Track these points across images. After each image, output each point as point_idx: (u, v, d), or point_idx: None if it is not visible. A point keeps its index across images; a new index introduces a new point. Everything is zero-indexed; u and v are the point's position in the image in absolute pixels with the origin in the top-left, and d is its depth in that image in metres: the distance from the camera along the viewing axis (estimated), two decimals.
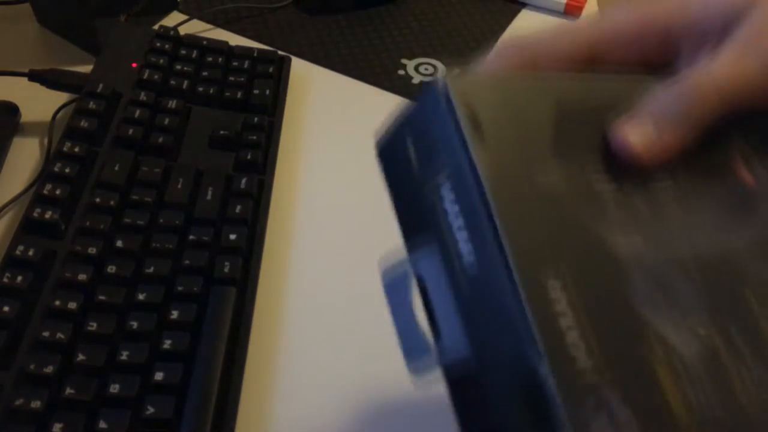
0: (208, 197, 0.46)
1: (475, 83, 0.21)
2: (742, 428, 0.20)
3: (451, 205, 0.21)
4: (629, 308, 0.20)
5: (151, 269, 0.41)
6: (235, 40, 0.62)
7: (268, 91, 0.54)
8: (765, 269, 0.23)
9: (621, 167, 0.22)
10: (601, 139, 0.23)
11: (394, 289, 0.23)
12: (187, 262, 0.42)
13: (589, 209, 0.21)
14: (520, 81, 0.23)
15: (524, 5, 0.73)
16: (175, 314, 0.39)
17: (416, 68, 0.63)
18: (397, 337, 0.22)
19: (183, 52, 0.55)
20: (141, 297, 0.39)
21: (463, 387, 0.21)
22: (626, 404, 0.19)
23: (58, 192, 0.43)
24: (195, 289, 0.40)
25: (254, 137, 0.50)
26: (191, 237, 0.43)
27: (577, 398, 0.18)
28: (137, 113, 0.49)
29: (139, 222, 0.43)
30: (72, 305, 0.38)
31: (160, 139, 0.48)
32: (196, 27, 0.64)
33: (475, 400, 0.21)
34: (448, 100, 0.21)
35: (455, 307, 0.21)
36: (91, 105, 0.48)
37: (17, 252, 0.40)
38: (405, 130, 0.23)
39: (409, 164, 0.22)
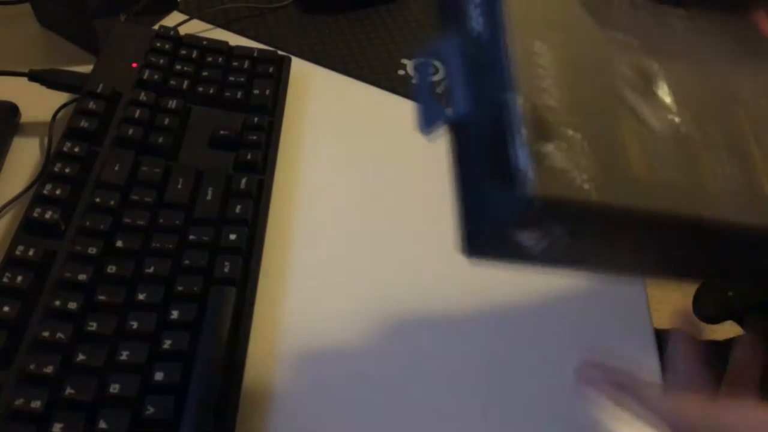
0: (208, 197, 0.46)
1: None
2: (697, 197, 0.22)
3: None
4: (609, 82, 0.22)
5: (151, 269, 0.41)
6: (235, 40, 0.62)
7: (268, 91, 0.54)
8: (765, 105, 0.24)
9: None
10: None
11: (422, 68, 0.28)
12: (187, 262, 0.42)
13: (594, 6, 0.24)
14: None
15: None
16: (175, 314, 0.39)
17: None
18: (417, 105, 0.27)
19: (183, 52, 0.55)
20: (141, 297, 0.39)
21: (462, 136, 0.25)
22: (585, 141, 0.20)
23: (58, 192, 0.43)
24: (195, 289, 0.40)
25: (254, 137, 0.50)
26: (191, 237, 0.43)
27: (538, 126, 0.20)
28: (137, 113, 0.49)
29: (139, 222, 0.43)
30: (72, 305, 0.38)
31: (160, 139, 0.48)
32: (196, 27, 0.64)
33: (469, 146, 0.25)
34: None
35: (464, 73, 0.25)
36: (91, 105, 0.48)
37: (17, 252, 0.40)
38: None
39: None
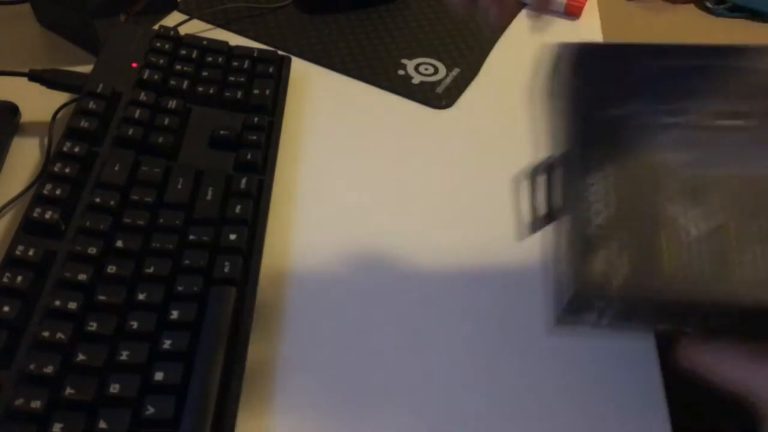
0: (208, 197, 0.46)
1: (582, 47, 0.31)
2: (719, 284, 0.26)
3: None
4: (654, 198, 0.28)
5: (151, 269, 0.41)
6: (235, 40, 0.62)
7: (268, 91, 0.54)
8: None
9: (692, 107, 0.29)
10: (680, 87, 0.30)
11: (520, 185, 0.33)
12: (187, 262, 0.42)
13: (648, 134, 0.29)
14: (621, 47, 0.31)
15: (524, 5, 0.73)
16: (175, 314, 0.39)
17: (416, 68, 0.63)
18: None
19: (183, 52, 0.55)
20: (141, 297, 0.39)
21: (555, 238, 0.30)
22: (624, 250, 0.27)
23: (58, 192, 0.43)
24: (195, 289, 0.40)
25: (254, 137, 0.50)
26: (191, 237, 0.43)
27: (585, 241, 0.27)
28: (137, 113, 0.49)
29: (139, 222, 0.43)
30: (72, 305, 0.38)
31: (160, 139, 0.48)
32: (196, 27, 0.64)
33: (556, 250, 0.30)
34: (561, 60, 0.31)
35: (561, 187, 0.30)
36: (91, 105, 0.48)
37: (17, 252, 0.40)
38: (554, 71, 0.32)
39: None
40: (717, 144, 0.28)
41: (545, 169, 0.31)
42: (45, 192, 0.43)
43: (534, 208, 0.32)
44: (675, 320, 0.28)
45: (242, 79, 0.54)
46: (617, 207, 0.27)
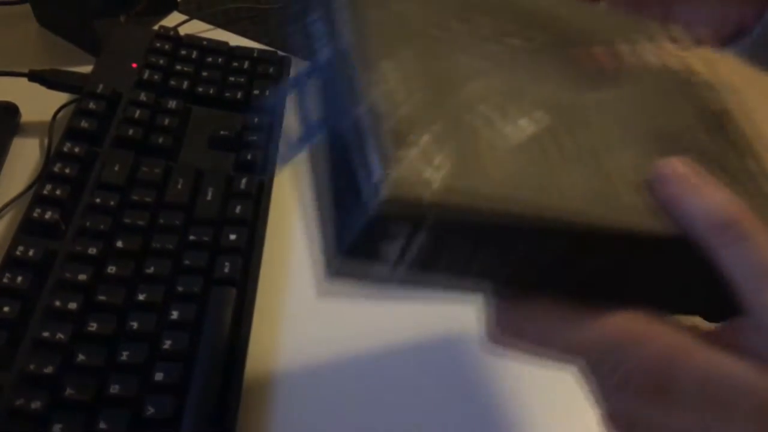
0: (208, 198, 0.46)
1: None
2: (554, 196, 0.22)
3: (320, 26, 0.25)
4: (462, 95, 0.23)
5: (151, 269, 0.41)
6: (235, 40, 0.62)
7: (268, 92, 0.54)
8: (609, 121, 0.25)
9: (486, 22, 0.26)
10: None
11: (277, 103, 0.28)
12: (187, 262, 0.42)
13: (443, 34, 0.25)
14: None
15: None
16: (175, 314, 0.39)
17: None
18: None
19: (183, 52, 0.55)
20: (141, 297, 0.39)
21: (325, 157, 0.24)
22: (442, 144, 0.21)
23: (58, 192, 0.43)
24: (195, 289, 0.40)
25: (254, 137, 0.50)
26: (191, 237, 0.43)
27: (391, 134, 0.20)
28: (137, 113, 0.49)
29: (139, 222, 0.43)
30: (72, 305, 0.38)
31: (160, 140, 0.48)
32: (196, 27, 0.64)
33: (335, 164, 0.24)
34: None
35: (321, 97, 0.25)
36: (91, 105, 0.48)
37: (17, 252, 0.40)
38: None
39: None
40: (512, 61, 0.25)
41: (321, 68, 0.25)
42: (45, 192, 0.43)
43: (305, 117, 0.26)
44: (492, 258, 0.23)
45: (242, 80, 0.54)
46: (423, 96, 0.22)
